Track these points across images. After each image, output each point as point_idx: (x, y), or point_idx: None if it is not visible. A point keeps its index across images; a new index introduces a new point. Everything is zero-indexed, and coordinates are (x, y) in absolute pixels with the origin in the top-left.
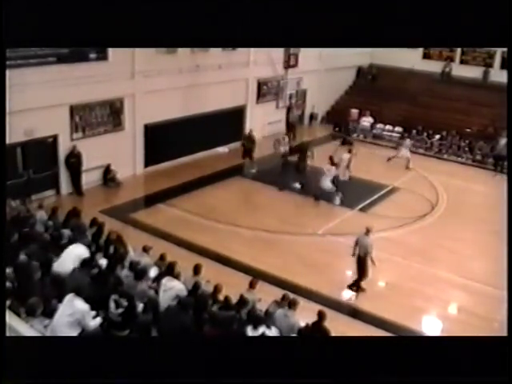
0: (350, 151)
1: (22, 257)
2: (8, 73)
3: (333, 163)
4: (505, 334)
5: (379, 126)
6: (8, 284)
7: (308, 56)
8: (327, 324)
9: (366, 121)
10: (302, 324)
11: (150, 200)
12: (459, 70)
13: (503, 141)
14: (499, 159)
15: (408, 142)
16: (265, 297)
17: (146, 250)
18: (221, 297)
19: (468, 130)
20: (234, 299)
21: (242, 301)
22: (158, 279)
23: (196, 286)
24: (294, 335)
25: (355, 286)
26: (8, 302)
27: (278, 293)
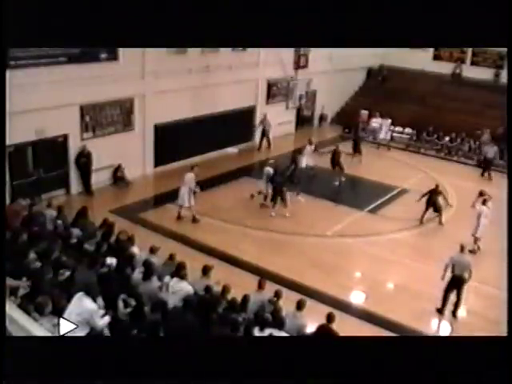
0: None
1: (32, 255)
2: (19, 72)
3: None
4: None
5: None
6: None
7: (318, 57)
8: (335, 325)
9: (376, 122)
10: (311, 325)
11: (160, 200)
12: (470, 72)
13: (485, 137)
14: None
15: None
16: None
17: (153, 250)
18: (229, 297)
19: (478, 131)
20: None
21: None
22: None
23: (207, 289)
24: (302, 335)
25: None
26: (18, 301)
27: (286, 293)
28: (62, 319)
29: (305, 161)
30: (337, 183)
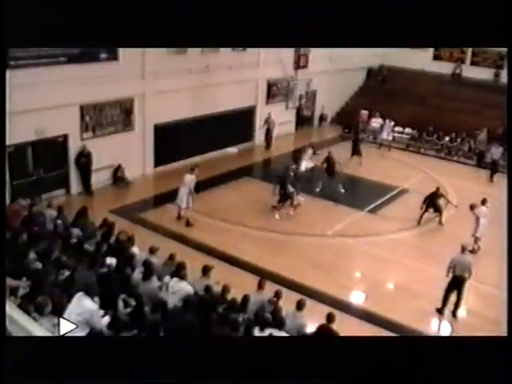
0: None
1: (32, 255)
2: (19, 72)
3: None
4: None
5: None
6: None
7: (318, 57)
8: (335, 325)
9: (376, 122)
10: (311, 325)
11: (160, 200)
12: (470, 72)
13: (482, 136)
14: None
15: None
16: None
17: (152, 250)
18: (229, 297)
19: (478, 131)
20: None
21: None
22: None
23: (207, 289)
24: (302, 335)
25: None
26: (18, 301)
27: (286, 293)
28: (62, 319)
29: (304, 164)
30: (342, 190)
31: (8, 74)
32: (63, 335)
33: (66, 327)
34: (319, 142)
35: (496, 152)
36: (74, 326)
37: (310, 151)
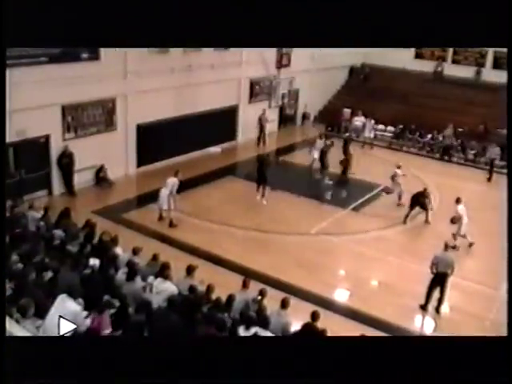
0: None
1: (14, 257)
2: None
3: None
4: (497, 331)
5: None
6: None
7: (300, 56)
8: (320, 323)
9: (359, 120)
10: (295, 323)
11: (143, 200)
12: (451, 70)
13: (448, 131)
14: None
15: None
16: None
17: (135, 251)
18: (213, 297)
19: (460, 129)
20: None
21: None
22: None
23: (192, 289)
24: (288, 335)
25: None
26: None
27: (270, 292)
28: (45, 321)
29: (317, 154)
30: (330, 182)
31: None
32: (63, 335)
33: (48, 329)
34: (303, 141)
35: (493, 152)
36: (57, 328)
37: (319, 141)
